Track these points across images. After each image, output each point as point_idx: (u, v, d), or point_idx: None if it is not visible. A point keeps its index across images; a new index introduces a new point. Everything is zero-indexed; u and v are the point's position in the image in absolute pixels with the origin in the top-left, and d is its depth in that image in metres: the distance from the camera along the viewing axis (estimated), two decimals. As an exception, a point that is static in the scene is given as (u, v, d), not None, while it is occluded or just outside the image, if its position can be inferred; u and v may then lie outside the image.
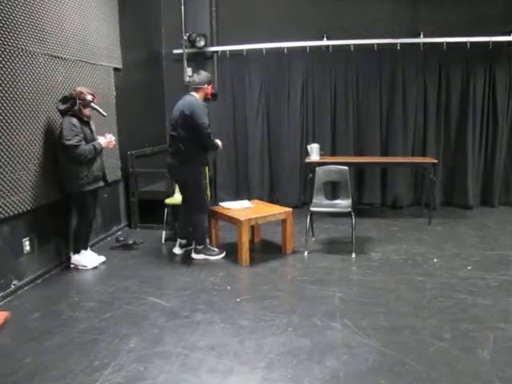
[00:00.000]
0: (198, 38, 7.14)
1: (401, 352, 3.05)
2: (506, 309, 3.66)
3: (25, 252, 4.25)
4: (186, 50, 7.29)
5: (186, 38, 7.18)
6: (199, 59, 7.44)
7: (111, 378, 2.82)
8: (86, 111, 4.50)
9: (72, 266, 4.76)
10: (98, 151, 4.58)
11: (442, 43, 6.70)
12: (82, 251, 4.79)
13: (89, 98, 4.46)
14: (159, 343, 3.24)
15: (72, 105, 4.37)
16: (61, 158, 4.48)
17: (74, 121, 4.37)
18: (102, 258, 4.92)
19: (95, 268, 4.76)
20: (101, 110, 4.58)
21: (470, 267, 4.60)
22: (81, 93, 4.44)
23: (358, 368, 2.89)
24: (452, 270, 4.52)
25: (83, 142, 4.42)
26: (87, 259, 4.78)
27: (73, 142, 4.33)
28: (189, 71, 7.42)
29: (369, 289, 4.13)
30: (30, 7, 4.22)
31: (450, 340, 3.20)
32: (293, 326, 3.44)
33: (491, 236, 5.67)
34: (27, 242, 4.27)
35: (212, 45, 7.32)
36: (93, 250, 4.99)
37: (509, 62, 6.76)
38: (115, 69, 5.89)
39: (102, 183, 4.77)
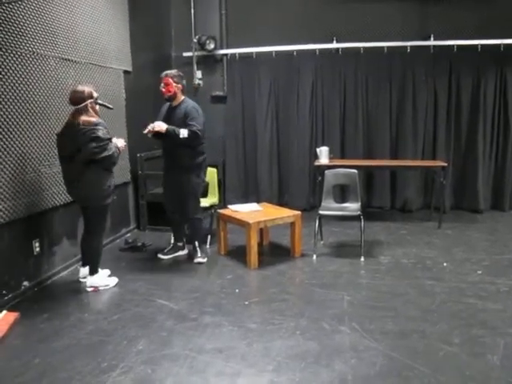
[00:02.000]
0: (207, 41, 7.18)
1: (409, 356, 3.03)
2: (516, 314, 3.63)
3: (35, 253, 4.28)
4: (196, 53, 7.32)
5: (195, 40, 7.21)
6: (209, 62, 7.47)
7: (119, 380, 2.83)
8: (97, 109, 4.17)
9: (90, 289, 4.23)
10: (118, 154, 4.19)
11: (453, 46, 6.69)
12: (99, 269, 4.36)
13: (96, 94, 4.12)
14: (167, 346, 3.24)
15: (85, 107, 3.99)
16: (82, 168, 3.96)
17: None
18: (107, 271, 4.52)
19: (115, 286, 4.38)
20: (107, 104, 4.33)
21: (479, 272, 4.56)
22: (91, 92, 4.05)
23: (365, 372, 2.87)
24: (462, 275, 4.49)
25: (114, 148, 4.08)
26: (106, 278, 4.40)
27: (109, 152, 3.99)
28: (198, 74, 7.46)
29: (377, 292, 4.10)
30: (41, 11, 4.26)
31: (459, 345, 3.17)
32: (301, 330, 3.43)
33: (501, 240, 5.63)
34: (37, 244, 4.29)
35: (222, 47, 7.35)
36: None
37: (520, 65, 6.71)
38: (125, 71, 5.92)
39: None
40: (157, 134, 4.69)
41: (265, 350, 3.15)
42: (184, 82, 4.90)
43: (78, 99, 3.97)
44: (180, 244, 5.21)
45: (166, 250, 5.14)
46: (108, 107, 4.33)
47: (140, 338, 3.34)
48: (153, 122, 4.67)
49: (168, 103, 4.91)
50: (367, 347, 3.16)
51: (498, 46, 6.61)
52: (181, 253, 5.20)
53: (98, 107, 4.16)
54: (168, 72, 4.80)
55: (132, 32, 6.04)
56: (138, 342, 3.28)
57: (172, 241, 5.24)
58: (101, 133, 3.91)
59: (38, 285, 4.30)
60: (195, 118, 4.67)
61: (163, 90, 4.74)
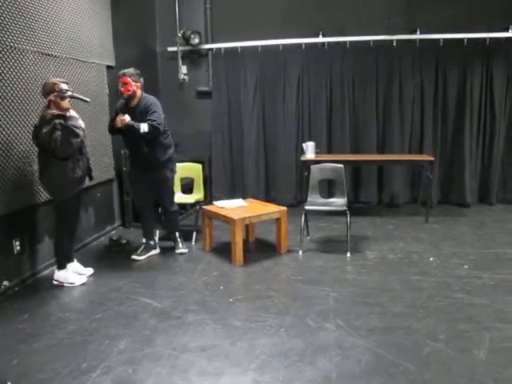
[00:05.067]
0: (192, 36, 7.10)
1: (395, 353, 3.00)
2: (502, 308, 3.60)
3: (15, 252, 4.19)
4: (181, 48, 7.23)
5: (180, 35, 7.13)
6: (194, 57, 7.39)
7: (98, 381, 2.76)
8: (65, 103, 4.04)
9: (56, 283, 4.25)
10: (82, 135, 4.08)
11: (439, 39, 6.66)
12: (68, 265, 4.34)
13: (64, 86, 4.02)
14: (150, 344, 3.18)
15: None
16: (44, 160, 4.01)
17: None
18: (90, 270, 4.51)
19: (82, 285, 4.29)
20: (82, 97, 4.22)
21: (466, 266, 4.54)
22: (54, 84, 3.98)
23: (350, 370, 2.83)
24: (448, 269, 4.47)
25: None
26: (74, 275, 4.32)
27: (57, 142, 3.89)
28: (183, 69, 7.37)
29: (364, 288, 4.07)
30: (20, 3, 4.16)
31: (445, 341, 3.14)
32: (285, 327, 3.38)
33: (488, 234, 5.62)
34: (17, 242, 4.20)
35: (207, 42, 7.27)
36: (85, 253, 4.88)
37: (506, 59, 6.70)
38: (108, 67, 5.82)
39: (84, 184, 4.42)
40: (114, 128, 4.70)
41: (249, 348, 3.10)
42: (142, 79, 4.78)
43: (43, 93, 4.02)
44: (152, 243, 5.10)
45: (139, 251, 5.02)
46: (84, 100, 4.24)
47: (122, 337, 3.27)
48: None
49: (123, 101, 4.78)
50: (352, 344, 3.12)
51: (484, 39, 6.61)
52: (154, 252, 5.09)
53: (67, 100, 4.05)
54: (125, 71, 4.68)
55: (115, 26, 5.94)
56: (120, 342, 3.22)
57: (143, 240, 5.13)
58: (44, 129, 3.86)
59: (19, 284, 4.21)
60: (155, 113, 4.63)
61: (122, 89, 4.64)
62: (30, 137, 4.13)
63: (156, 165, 4.79)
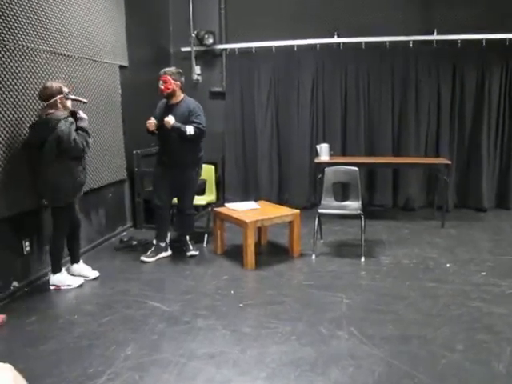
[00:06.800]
0: (206, 36, 7.04)
1: (410, 364, 2.89)
2: (522, 319, 3.48)
3: (25, 253, 4.16)
4: (195, 48, 7.18)
5: (194, 35, 7.08)
6: (208, 57, 7.34)
7: (104, 388, 2.71)
8: (70, 105, 4.09)
9: (52, 287, 4.15)
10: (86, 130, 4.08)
11: (457, 41, 6.52)
12: (74, 266, 4.40)
13: (66, 89, 4.03)
14: (157, 350, 3.11)
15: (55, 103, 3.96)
16: (44, 165, 3.93)
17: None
18: (95, 273, 4.43)
19: (79, 286, 4.21)
20: (81, 98, 4.23)
21: (484, 273, 4.41)
22: (60, 86, 3.99)
23: (363, 381, 2.73)
24: (465, 276, 4.34)
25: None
26: (70, 277, 4.25)
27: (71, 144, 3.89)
28: (197, 69, 7.32)
29: (378, 295, 3.96)
30: (32, 3, 4.12)
31: (462, 351, 3.02)
32: (297, 335, 3.29)
33: (506, 240, 5.48)
34: (27, 243, 4.17)
35: (221, 42, 7.22)
36: (95, 254, 4.83)
37: (526, 61, 6.54)
38: (121, 66, 5.78)
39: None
40: (153, 131, 4.78)
41: (258, 356, 3.02)
42: (183, 78, 4.86)
43: (46, 95, 3.94)
44: (162, 245, 5.01)
45: (148, 253, 4.94)
46: (81, 101, 4.24)
47: (129, 342, 3.21)
48: (149, 119, 4.75)
49: (165, 100, 4.87)
50: (366, 354, 3.02)
51: (504, 40, 6.45)
52: (164, 254, 5.00)
53: (69, 102, 4.08)
54: (166, 69, 4.78)
55: (128, 26, 5.89)
56: (127, 347, 3.16)
57: (154, 241, 5.05)
58: (63, 127, 3.84)
59: (28, 285, 4.18)
60: (199, 116, 4.76)
61: (162, 87, 4.72)
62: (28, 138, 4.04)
63: (185, 164, 4.81)
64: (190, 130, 4.59)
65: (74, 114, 4.08)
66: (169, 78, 4.68)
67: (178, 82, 4.75)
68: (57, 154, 3.88)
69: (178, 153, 4.76)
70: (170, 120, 4.58)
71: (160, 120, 4.70)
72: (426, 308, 3.70)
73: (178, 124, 4.59)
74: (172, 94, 4.75)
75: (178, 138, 4.64)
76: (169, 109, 4.76)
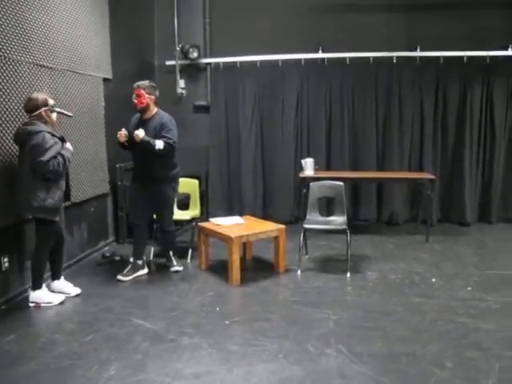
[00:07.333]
0: (191, 50, 7.02)
1: (400, 382, 2.85)
2: (510, 335, 3.46)
3: (3, 269, 4.03)
4: (179, 62, 7.15)
5: (178, 49, 7.06)
6: (192, 71, 7.31)
7: (87, 411, 2.61)
8: (54, 118, 4.02)
9: (32, 305, 4.01)
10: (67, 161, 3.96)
11: (439, 57, 6.61)
12: (55, 282, 4.27)
13: (51, 102, 3.97)
14: (142, 370, 3.02)
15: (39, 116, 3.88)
16: (28, 178, 3.81)
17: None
18: (77, 290, 4.31)
19: (60, 304, 4.09)
20: (66, 112, 4.16)
21: (469, 288, 4.42)
22: (46, 98, 3.92)
23: (353, 400, 2.69)
24: (451, 291, 4.34)
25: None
26: (50, 294, 4.13)
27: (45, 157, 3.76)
28: (181, 83, 7.28)
29: (364, 311, 3.93)
30: (15, 14, 4.06)
31: (451, 369, 2.99)
32: (284, 353, 3.22)
33: (490, 254, 5.52)
34: (6, 259, 4.05)
35: (205, 56, 7.21)
36: (76, 269, 4.71)
37: (506, 77, 6.65)
38: (105, 79, 5.72)
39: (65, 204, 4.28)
40: (124, 144, 4.64)
41: (246, 375, 2.95)
42: (157, 92, 4.76)
43: (31, 107, 3.87)
44: (140, 262, 4.87)
45: (125, 271, 4.79)
46: (67, 115, 4.19)
47: (112, 362, 3.12)
48: (121, 129, 4.62)
49: (138, 115, 4.77)
50: (355, 372, 2.97)
51: (484, 57, 6.55)
52: (141, 272, 4.86)
53: (55, 115, 4.02)
54: (140, 83, 4.67)
55: (113, 39, 5.84)
56: (111, 366, 3.06)
57: (131, 259, 4.92)
58: (40, 140, 3.73)
59: (6, 302, 4.04)
60: (171, 131, 4.64)
61: (135, 101, 4.63)
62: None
63: (160, 181, 4.70)
64: (159, 144, 4.46)
65: (62, 139, 4.01)
66: (142, 91, 4.58)
67: (153, 96, 4.65)
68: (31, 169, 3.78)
69: (150, 168, 4.65)
70: (140, 133, 4.44)
71: (132, 134, 4.59)
72: (413, 324, 3.67)
73: (147, 138, 4.46)
74: (146, 109, 4.64)
75: (149, 153, 4.51)
76: (142, 123, 4.66)
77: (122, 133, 4.57)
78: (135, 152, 4.72)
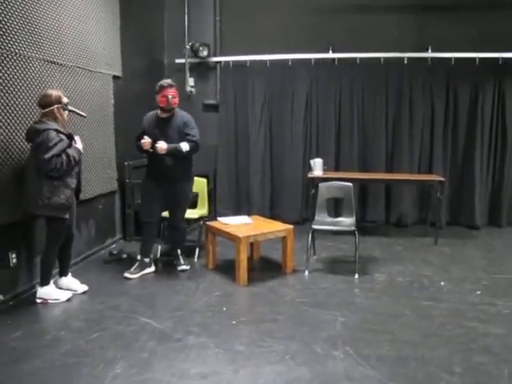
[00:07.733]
0: (201, 48, 7.01)
1: (408, 386, 2.83)
2: (520, 340, 3.43)
3: (11, 265, 4.04)
4: (189, 60, 7.14)
5: (188, 47, 7.04)
6: (202, 69, 7.30)
7: (92, 409, 2.60)
8: (65, 116, 4.01)
9: (39, 301, 4.01)
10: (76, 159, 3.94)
11: (451, 58, 6.55)
12: (63, 279, 4.28)
13: (65, 100, 3.97)
14: (147, 369, 3.01)
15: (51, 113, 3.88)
16: (34, 176, 3.81)
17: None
18: (84, 287, 4.31)
19: (67, 301, 4.08)
20: (80, 112, 4.18)
21: (479, 292, 4.37)
22: (59, 95, 3.92)
23: (361, 404, 2.66)
24: (460, 295, 4.29)
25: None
26: (58, 291, 4.13)
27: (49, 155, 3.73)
28: (191, 81, 7.27)
29: (372, 314, 3.89)
30: (26, 10, 4.06)
31: (460, 374, 2.95)
32: (291, 354, 3.20)
33: (500, 258, 5.46)
34: (14, 255, 4.05)
35: (215, 55, 7.19)
36: (84, 267, 4.70)
37: (519, 79, 6.59)
38: (114, 77, 5.71)
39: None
40: (147, 150, 4.61)
41: (252, 376, 2.93)
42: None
43: (45, 103, 3.87)
44: (147, 260, 4.85)
45: (132, 269, 4.78)
46: (80, 115, 4.20)
47: (119, 360, 3.11)
48: (142, 137, 4.59)
49: (153, 113, 4.75)
50: (362, 375, 2.94)
51: (497, 59, 6.49)
52: (148, 270, 4.84)
53: (67, 113, 4.01)
54: (171, 82, 4.64)
55: (123, 36, 5.84)
56: (117, 365, 3.05)
57: (138, 257, 4.90)
58: (44, 137, 3.72)
59: (14, 298, 4.05)
60: (194, 128, 4.67)
61: (172, 101, 4.55)
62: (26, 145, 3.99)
63: (179, 178, 4.71)
64: (185, 147, 4.51)
65: (70, 137, 3.97)
66: (176, 92, 4.60)
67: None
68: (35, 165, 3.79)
69: (171, 168, 4.64)
70: (163, 146, 4.46)
71: (151, 134, 4.58)
72: (421, 328, 3.64)
73: (173, 145, 4.49)
74: (173, 108, 4.64)
75: (171, 155, 4.55)
76: (160, 122, 4.64)
77: (147, 141, 4.55)
78: (155, 154, 4.61)
